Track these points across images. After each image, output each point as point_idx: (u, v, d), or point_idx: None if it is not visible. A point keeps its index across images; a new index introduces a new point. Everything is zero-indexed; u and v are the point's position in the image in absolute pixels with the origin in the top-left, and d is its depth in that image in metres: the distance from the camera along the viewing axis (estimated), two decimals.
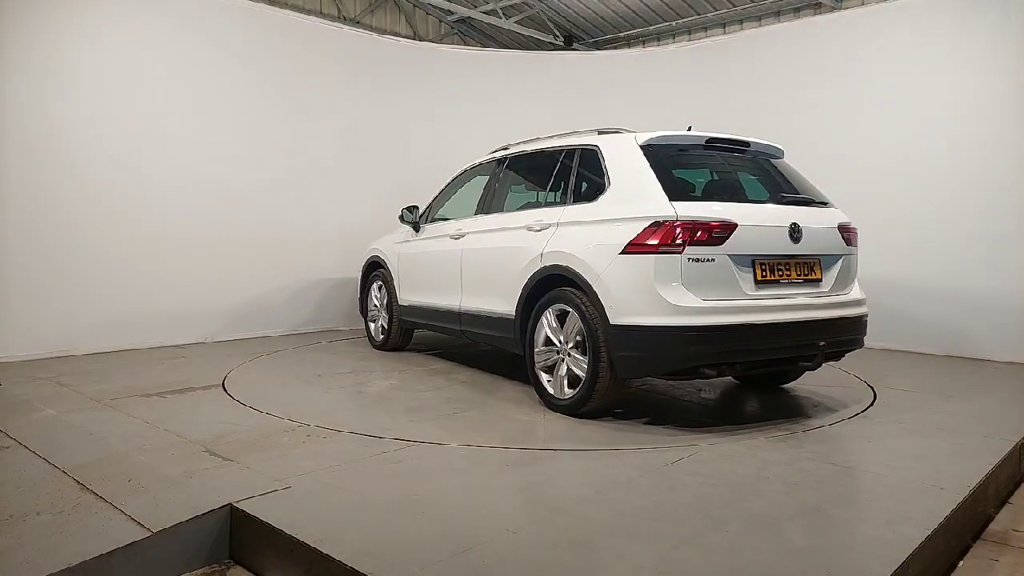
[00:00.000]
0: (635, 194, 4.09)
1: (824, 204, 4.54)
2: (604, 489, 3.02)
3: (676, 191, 4.04)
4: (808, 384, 5.21)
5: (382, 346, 6.80)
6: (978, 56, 6.66)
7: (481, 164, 5.90)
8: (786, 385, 5.12)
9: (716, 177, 4.59)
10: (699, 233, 3.84)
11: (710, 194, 4.38)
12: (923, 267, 6.91)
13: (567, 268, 4.27)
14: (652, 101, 8.64)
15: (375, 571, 2.24)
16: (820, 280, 4.24)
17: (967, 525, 3.01)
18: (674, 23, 11.94)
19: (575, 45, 13.07)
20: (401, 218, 6.43)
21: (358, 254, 8.64)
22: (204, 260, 7.13)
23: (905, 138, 7.05)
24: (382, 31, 11.38)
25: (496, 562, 2.33)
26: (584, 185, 4.58)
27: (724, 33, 11.49)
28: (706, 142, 4.38)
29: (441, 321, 5.85)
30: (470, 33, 13.72)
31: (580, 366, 4.17)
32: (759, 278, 3.99)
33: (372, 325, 6.99)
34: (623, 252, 3.94)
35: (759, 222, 4.04)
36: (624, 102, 8.70)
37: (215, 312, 7.24)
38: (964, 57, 6.76)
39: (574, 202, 4.56)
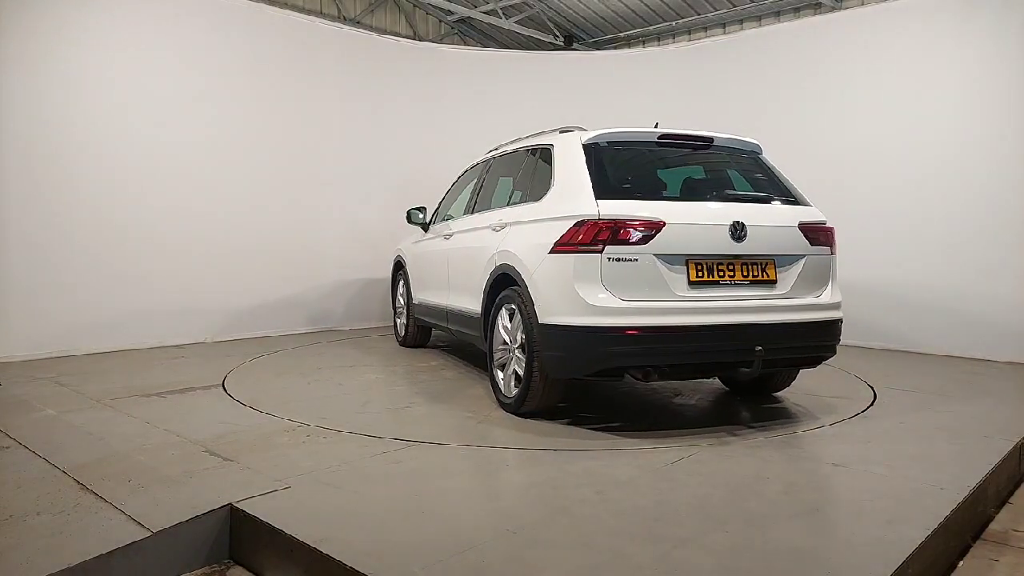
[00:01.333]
0: (570, 193, 4.07)
1: (791, 202, 4.30)
2: (604, 489, 3.02)
3: (608, 190, 3.96)
4: (808, 384, 5.21)
5: (403, 342, 7.05)
6: (978, 56, 6.66)
7: (475, 165, 6.03)
8: (778, 393, 4.87)
9: (663, 175, 4.47)
10: (621, 232, 3.75)
11: (650, 192, 4.23)
12: (922, 267, 6.91)
13: (511, 267, 4.32)
14: (652, 101, 8.64)
15: (375, 571, 2.24)
16: (774, 282, 4.00)
17: (967, 525, 3.00)
18: (674, 23, 11.94)
19: (575, 45, 13.06)
20: (408, 219, 6.49)
21: (358, 254, 8.64)
22: (204, 260, 7.13)
23: (905, 138, 7.05)
24: (382, 31, 11.38)
25: (496, 562, 2.33)
26: (538, 185, 4.56)
27: (724, 33, 11.49)
28: (659, 138, 4.28)
29: (436, 319, 6.04)
30: (470, 33, 13.72)
31: (522, 365, 4.20)
32: (693, 278, 3.82)
33: (398, 322, 7.24)
34: (551, 252, 3.92)
35: (694, 220, 3.88)
36: (624, 102, 8.70)
37: (215, 312, 7.24)
38: (964, 57, 6.76)
39: (528, 202, 4.59)
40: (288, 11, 9.00)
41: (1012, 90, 6.47)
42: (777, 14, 11.01)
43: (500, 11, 12.24)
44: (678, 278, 3.80)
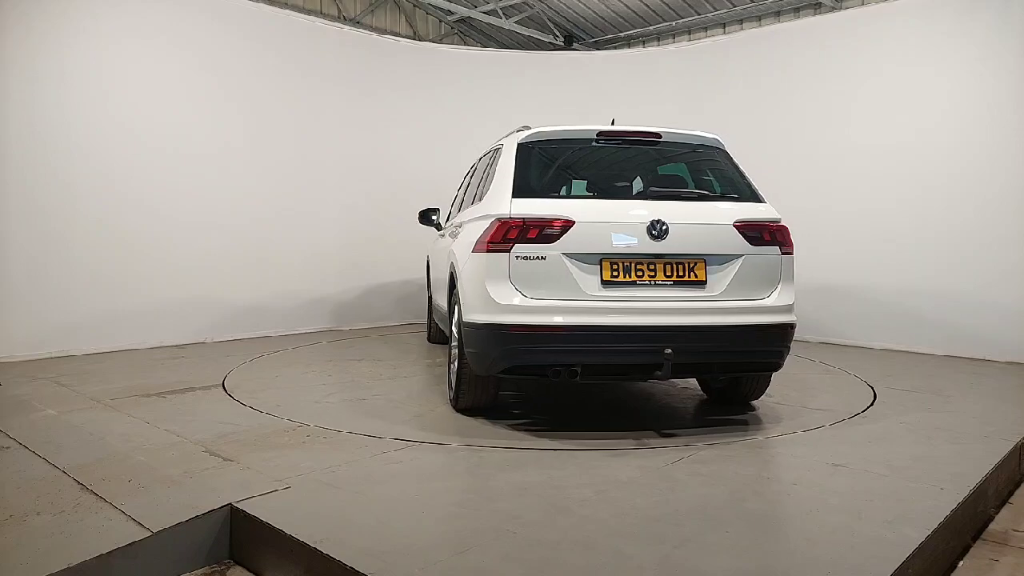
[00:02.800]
0: (497, 194, 4.08)
1: (736, 198, 4.14)
2: (604, 489, 3.02)
3: (526, 190, 3.98)
4: (808, 384, 5.21)
5: (428, 338, 7.36)
6: (978, 56, 6.66)
7: (473, 165, 6.12)
8: (755, 401, 4.65)
9: (592, 173, 4.44)
10: (530, 231, 3.75)
11: (569, 190, 4.25)
12: (922, 266, 6.92)
13: (453, 267, 4.41)
14: (652, 101, 8.65)
15: (375, 571, 2.24)
16: (703, 283, 3.83)
17: (967, 525, 3.00)
18: (674, 23, 11.94)
19: (575, 45, 13.06)
20: (419, 219, 6.51)
21: (358, 254, 8.64)
22: (204, 260, 7.13)
23: (905, 138, 7.05)
24: (382, 31, 11.38)
25: (496, 562, 2.33)
26: (485, 185, 4.61)
27: (724, 33, 11.48)
28: (598, 136, 4.25)
29: (437, 317, 6.17)
30: (470, 33, 13.72)
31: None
32: (606, 278, 3.75)
33: (428, 319, 7.44)
34: (473, 251, 3.96)
35: (608, 219, 3.83)
36: (624, 102, 8.70)
37: (215, 312, 7.23)
38: (964, 57, 6.76)
39: (476, 202, 4.66)
40: (288, 11, 8.99)
41: (1012, 90, 6.47)
42: (777, 14, 11.01)
43: (500, 11, 12.23)
44: (590, 277, 3.74)
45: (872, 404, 4.68)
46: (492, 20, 12.26)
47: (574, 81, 9.23)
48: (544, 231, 3.75)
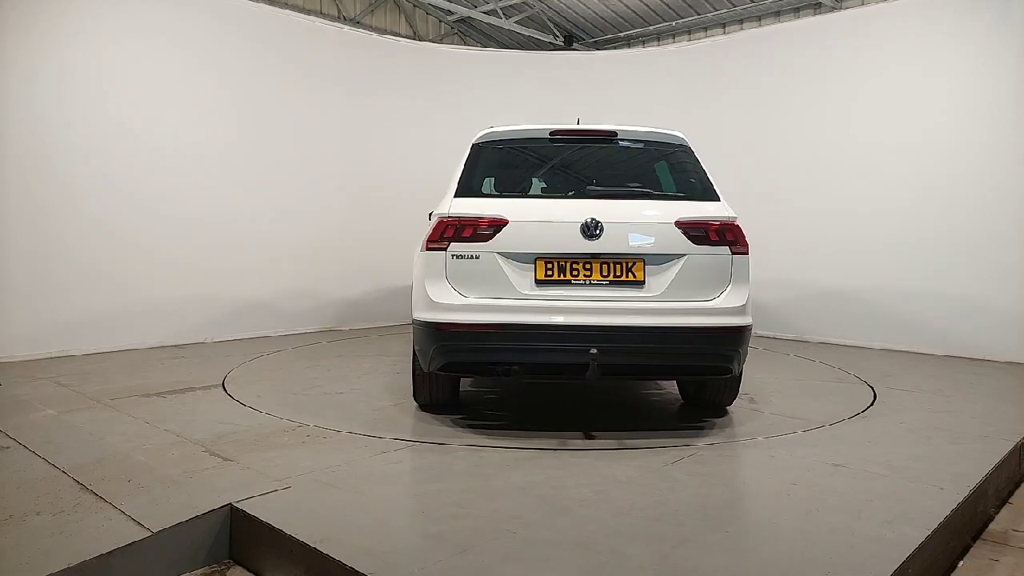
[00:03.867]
0: (447, 193, 4.13)
1: (685, 197, 4.06)
2: (604, 489, 3.02)
3: (468, 189, 4.04)
4: (808, 384, 5.21)
5: None
6: (977, 56, 6.66)
7: None
8: (730, 407, 4.48)
9: (538, 172, 4.45)
10: (465, 230, 3.79)
11: (509, 190, 4.25)
12: (922, 266, 6.92)
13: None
14: (652, 101, 8.65)
15: (375, 571, 2.24)
16: (642, 283, 3.76)
17: (967, 525, 3.01)
18: (674, 23, 11.93)
19: (575, 45, 13.06)
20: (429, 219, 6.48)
21: (358, 254, 8.64)
22: (203, 260, 7.13)
23: (905, 137, 7.06)
24: (382, 31, 11.38)
25: (496, 562, 2.33)
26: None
27: (724, 33, 11.48)
28: (551, 135, 4.24)
29: None
30: (470, 33, 13.72)
31: None
32: (540, 277, 3.74)
33: None
34: (419, 250, 4.03)
35: (542, 218, 3.83)
36: (624, 102, 8.71)
37: (215, 312, 7.23)
38: (963, 57, 6.77)
39: None
40: (288, 11, 8.99)
41: (1012, 90, 6.47)
42: (777, 14, 11.01)
43: (500, 11, 12.23)
44: (525, 276, 3.75)
45: (872, 404, 4.68)
46: (492, 20, 12.26)
47: (574, 81, 9.22)
48: (478, 230, 3.78)
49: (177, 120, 6.97)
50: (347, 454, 3.49)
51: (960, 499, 2.90)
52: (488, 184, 4.22)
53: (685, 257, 3.78)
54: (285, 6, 10.05)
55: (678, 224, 3.80)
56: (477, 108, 9.05)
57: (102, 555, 2.35)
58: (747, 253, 3.90)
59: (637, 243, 3.78)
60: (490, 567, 2.29)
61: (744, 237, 3.91)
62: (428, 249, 3.85)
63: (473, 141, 4.32)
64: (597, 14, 12.32)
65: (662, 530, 2.60)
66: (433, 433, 3.90)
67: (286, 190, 7.83)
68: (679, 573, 2.27)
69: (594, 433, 3.95)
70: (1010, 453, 3.62)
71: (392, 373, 5.69)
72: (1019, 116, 6.42)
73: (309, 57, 8.04)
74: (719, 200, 4.01)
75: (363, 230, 8.44)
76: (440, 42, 12.54)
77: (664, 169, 4.34)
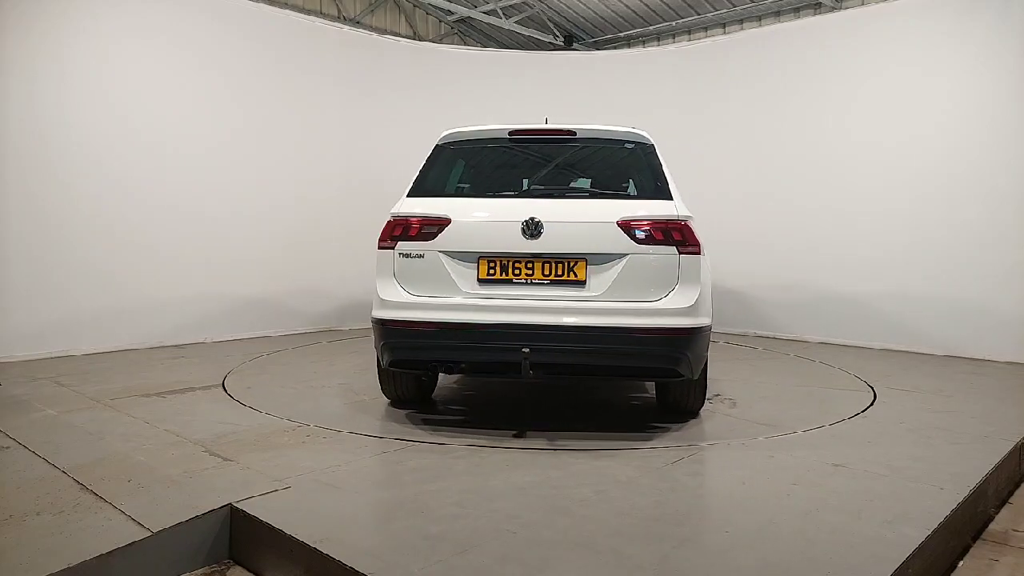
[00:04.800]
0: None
1: (629, 196, 4.04)
2: (604, 489, 3.02)
3: (421, 189, 4.13)
4: (807, 384, 5.21)
5: None
6: (977, 56, 6.67)
7: None
8: (699, 412, 4.35)
9: (490, 172, 4.46)
10: (411, 230, 3.89)
11: (455, 189, 4.29)
12: (922, 266, 6.92)
13: None
14: (652, 101, 8.65)
15: (375, 571, 2.24)
16: (584, 282, 3.72)
17: (967, 525, 3.01)
18: (674, 23, 11.93)
19: (575, 45, 13.06)
20: None
21: (358, 254, 8.64)
22: (203, 260, 7.13)
23: (905, 138, 7.06)
24: (382, 31, 11.38)
25: (496, 562, 2.33)
26: None
27: (724, 33, 11.48)
28: (510, 135, 4.27)
29: None
30: (470, 33, 13.72)
31: None
32: (482, 276, 3.77)
33: None
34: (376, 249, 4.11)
35: (484, 218, 3.88)
36: (624, 102, 8.71)
37: (215, 312, 7.23)
38: (963, 57, 6.77)
39: None
40: (288, 11, 8.99)
41: (1012, 90, 6.47)
42: (777, 14, 11.01)
43: (500, 11, 12.23)
44: (468, 275, 3.80)
45: (872, 404, 4.68)
46: (492, 20, 12.26)
47: (574, 81, 9.22)
48: (423, 229, 3.87)
49: (177, 120, 6.97)
50: (347, 454, 3.48)
51: (960, 499, 2.90)
52: (443, 184, 4.29)
53: (627, 257, 3.72)
54: (285, 6, 10.05)
55: (620, 224, 3.74)
56: (477, 108, 9.05)
57: (102, 555, 2.35)
58: (698, 253, 3.78)
59: (578, 243, 3.76)
60: (490, 567, 2.29)
61: (694, 236, 3.79)
62: (379, 248, 3.97)
63: (436, 142, 4.38)
64: (597, 14, 12.32)
65: (662, 530, 2.60)
66: (433, 433, 3.90)
67: (286, 190, 7.83)
68: (679, 573, 2.27)
69: (594, 433, 3.95)
70: (1010, 453, 3.62)
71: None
72: (1019, 116, 6.42)
73: (309, 57, 8.04)
74: (671, 199, 3.91)
75: (363, 230, 8.41)
76: (440, 42, 12.55)
77: (621, 168, 4.32)
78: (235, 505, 2.75)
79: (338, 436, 3.81)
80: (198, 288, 7.09)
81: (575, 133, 4.22)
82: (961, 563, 2.81)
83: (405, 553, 2.38)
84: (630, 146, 4.29)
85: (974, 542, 3.00)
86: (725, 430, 4.04)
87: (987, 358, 6.43)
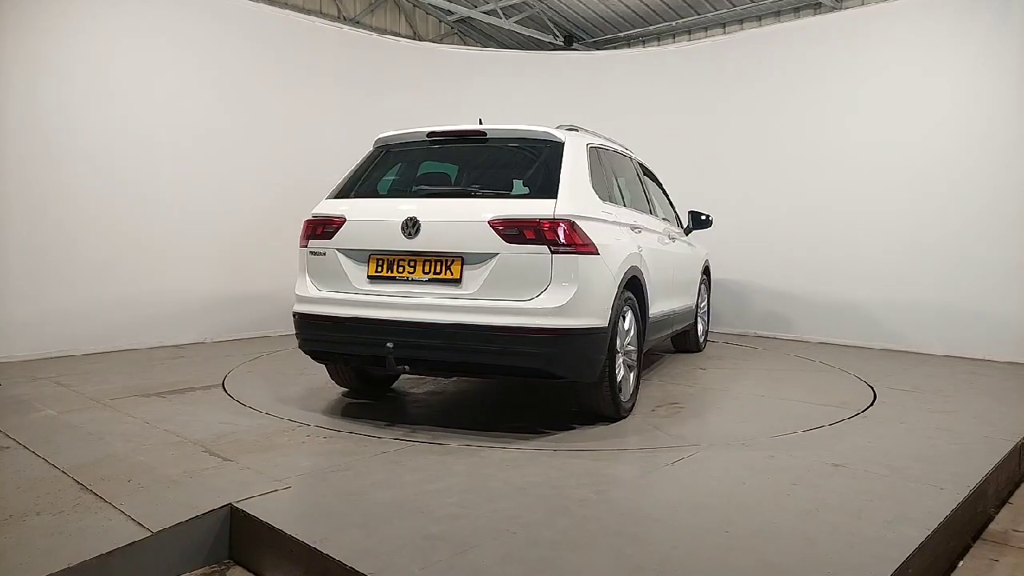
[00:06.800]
0: None
1: (509, 196, 4.03)
2: (604, 489, 3.02)
3: (340, 190, 4.39)
4: (807, 384, 5.21)
5: None
6: (977, 56, 6.67)
7: None
8: (622, 419, 4.21)
9: (401, 172, 4.55)
10: (317, 229, 4.15)
11: (360, 190, 4.38)
12: (922, 266, 6.92)
13: None
14: (652, 101, 8.64)
15: (375, 571, 2.24)
16: (458, 280, 3.77)
17: (967, 525, 3.01)
18: (674, 23, 11.93)
19: (575, 45, 13.06)
20: None
21: None
22: (204, 260, 7.13)
23: (906, 138, 7.06)
24: (382, 31, 11.38)
25: (496, 562, 2.33)
26: None
27: (724, 33, 11.48)
28: (427, 136, 4.45)
29: None
30: (470, 33, 13.72)
31: None
32: (371, 273, 3.98)
33: None
34: None
35: (371, 217, 4.06)
36: (624, 102, 8.70)
37: (215, 312, 7.23)
38: (963, 57, 6.77)
39: None
40: (288, 11, 8.99)
41: (1012, 90, 6.47)
42: (777, 14, 11.01)
43: (500, 11, 12.23)
44: (360, 272, 4.01)
45: (872, 404, 4.68)
46: (492, 20, 12.26)
47: (574, 81, 9.22)
48: (325, 229, 4.11)
49: (177, 120, 6.97)
50: (347, 454, 3.48)
51: (960, 499, 2.90)
52: (355, 184, 4.44)
53: (498, 256, 3.72)
54: (285, 6, 10.05)
55: (491, 223, 3.74)
56: (477, 108, 9.04)
57: (102, 555, 2.35)
58: (575, 252, 3.68)
59: (454, 241, 3.84)
60: (490, 567, 2.29)
61: (574, 236, 3.70)
62: (299, 247, 4.25)
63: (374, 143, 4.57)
64: (597, 14, 12.32)
65: (662, 530, 2.60)
66: (433, 433, 3.90)
67: (286, 190, 7.81)
68: (679, 573, 2.27)
69: (594, 433, 3.95)
70: (1010, 453, 3.62)
71: None
72: (1019, 116, 6.43)
73: (309, 57, 8.04)
74: (554, 198, 3.79)
75: None
76: (440, 42, 12.55)
77: (522, 167, 4.32)
78: (235, 505, 2.75)
79: (338, 436, 3.81)
80: (198, 288, 7.08)
81: (486, 134, 4.35)
82: (961, 563, 2.81)
83: (405, 553, 2.38)
84: (539, 145, 4.25)
85: (974, 542, 3.01)
86: (724, 430, 4.03)
87: (987, 358, 6.43)
